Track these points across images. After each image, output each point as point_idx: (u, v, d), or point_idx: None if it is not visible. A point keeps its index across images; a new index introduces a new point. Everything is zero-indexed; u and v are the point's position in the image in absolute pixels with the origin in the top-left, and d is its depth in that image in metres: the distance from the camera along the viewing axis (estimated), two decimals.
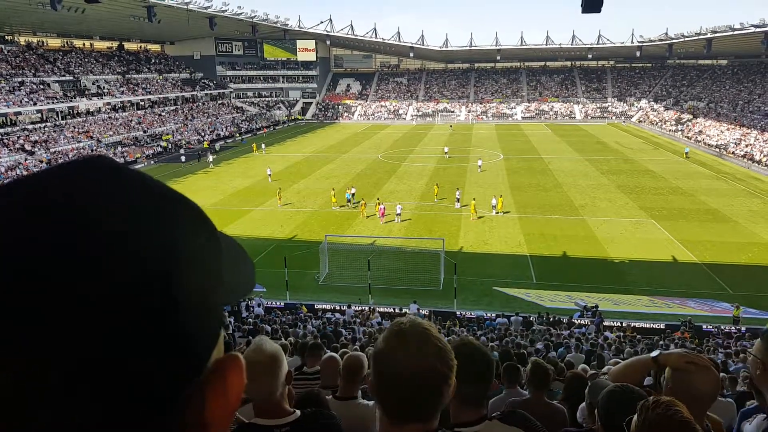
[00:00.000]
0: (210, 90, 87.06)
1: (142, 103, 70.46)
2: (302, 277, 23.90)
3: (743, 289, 21.75)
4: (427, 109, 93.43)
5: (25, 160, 44.83)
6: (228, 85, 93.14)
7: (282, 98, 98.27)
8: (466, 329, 17.43)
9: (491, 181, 41.34)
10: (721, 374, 7.53)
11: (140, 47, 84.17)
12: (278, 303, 21.58)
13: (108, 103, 64.51)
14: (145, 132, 62.17)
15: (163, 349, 0.45)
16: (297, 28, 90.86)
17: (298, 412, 2.30)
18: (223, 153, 58.87)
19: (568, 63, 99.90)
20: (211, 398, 0.51)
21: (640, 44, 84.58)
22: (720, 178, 42.62)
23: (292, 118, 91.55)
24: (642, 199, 35.75)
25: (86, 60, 70.02)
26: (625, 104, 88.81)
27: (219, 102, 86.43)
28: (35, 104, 54.29)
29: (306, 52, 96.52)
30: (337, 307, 20.86)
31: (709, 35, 67.13)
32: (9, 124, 50.45)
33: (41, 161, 45.51)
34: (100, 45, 77.24)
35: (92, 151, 51.19)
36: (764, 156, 46.79)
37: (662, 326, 19.22)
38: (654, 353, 2.57)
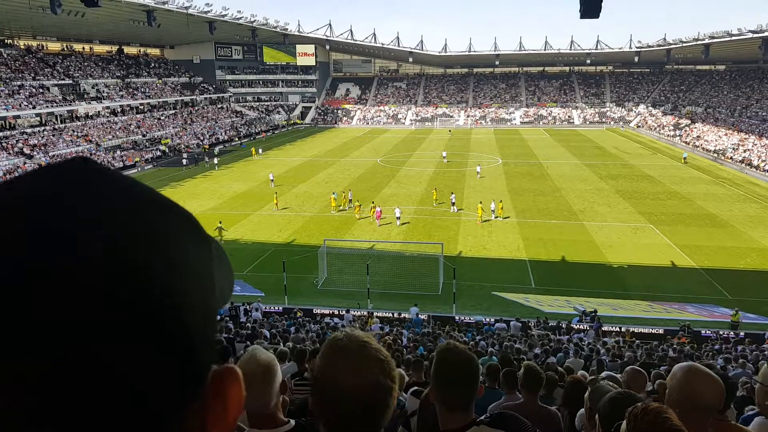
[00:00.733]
0: (209, 94, 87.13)
1: (142, 107, 70.49)
2: (301, 282, 23.88)
3: (742, 294, 21.75)
4: (426, 114, 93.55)
5: (24, 163, 44.79)
6: (227, 90, 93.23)
7: (281, 102, 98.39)
8: (464, 334, 17.40)
9: (490, 186, 41.37)
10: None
11: (140, 51, 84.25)
12: (277, 308, 21.56)
13: (107, 107, 64.53)
14: (144, 136, 62.16)
15: (164, 357, 0.44)
16: (296, 33, 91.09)
17: (293, 422, 2.29)
18: (222, 157, 58.90)
19: (567, 68, 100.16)
20: (210, 412, 0.50)
21: (639, 50, 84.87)
22: (718, 183, 42.68)
23: (292, 122, 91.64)
24: (640, 204, 35.78)
25: (86, 64, 70.08)
26: (623, 109, 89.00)
27: (218, 106, 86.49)
28: (34, 108, 54.28)
29: (305, 56, 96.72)
30: (336, 312, 20.83)
31: (707, 41, 67.36)
32: (8, 127, 50.45)
33: (40, 165, 45.23)
34: (100, 49, 77.34)
35: (91, 154, 51.19)
36: (762, 161, 46.88)
37: (661, 331, 19.22)
38: None
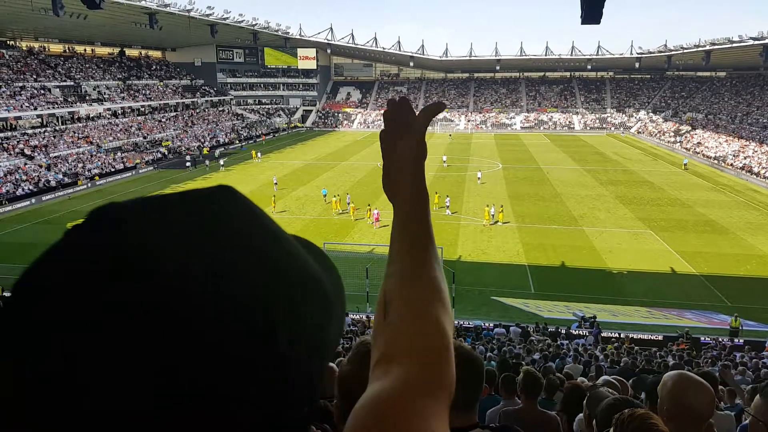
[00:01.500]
0: (210, 97, 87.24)
1: (143, 109, 70.57)
2: None
3: (741, 302, 21.71)
4: None
5: (24, 164, 44.82)
6: (228, 92, 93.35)
7: (282, 106, 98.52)
8: (463, 339, 17.37)
9: (490, 191, 41.38)
10: (720, 387, 7.51)
11: (141, 53, 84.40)
12: None
13: (108, 109, 64.61)
14: (144, 138, 62.22)
15: (277, 404, 0.44)
16: (298, 37, 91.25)
17: None
18: (222, 160, 58.93)
19: (568, 74, 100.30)
20: None
21: (639, 56, 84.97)
22: (718, 189, 42.69)
23: (293, 125, 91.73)
24: (640, 210, 35.78)
25: (87, 66, 70.20)
26: (624, 115, 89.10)
27: (219, 109, 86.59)
28: (36, 109, 54.34)
29: (307, 60, 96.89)
30: None
31: (707, 47, 67.47)
32: (9, 128, 50.49)
33: (40, 166, 45.50)
34: (102, 51, 77.46)
35: (91, 156, 51.23)
36: (762, 168, 46.90)
37: (660, 338, 19.19)
38: None
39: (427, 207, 0.86)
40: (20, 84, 56.18)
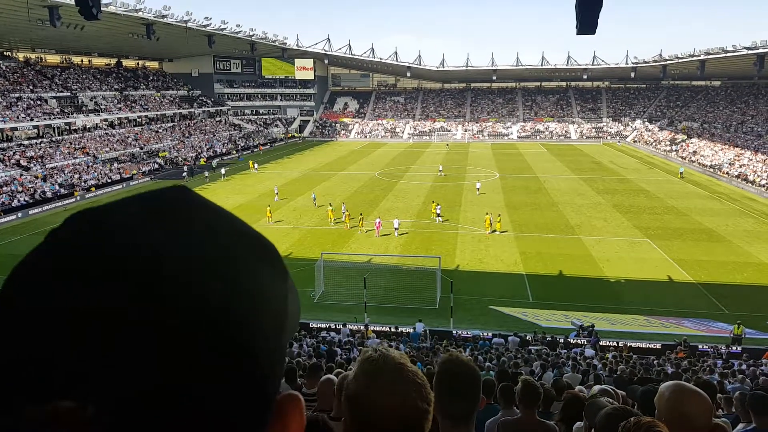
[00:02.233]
0: (208, 107, 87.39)
1: (139, 119, 70.63)
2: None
3: (739, 309, 21.73)
4: (423, 128, 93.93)
5: (21, 175, 44.73)
6: (226, 103, 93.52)
7: (279, 116, 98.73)
8: (462, 350, 17.31)
9: (488, 200, 41.43)
10: (718, 395, 7.49)
11: (138, 64, 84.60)
12: None
13: (105, 120, 64.65)
14: (141, 148, 62.22)
15: (240, 392, 0.44)
16: (295, 47, 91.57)
17: None
18: (220, 170, 58.95)
19: (564, 83, 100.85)
20: None
21: (635, 65, 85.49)
22: (714, 198, 42.83)
23: (290, 135, 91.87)
24: (637, 218, 35.85)
25: (84, 76, 70.29)
26: (619, 124, 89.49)
27: (216, 119, 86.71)
28: (32, 120, 54.34)
29: (304, 70, 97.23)
30: (333, 326, 20.71)
31: (702, 57, 67.91)
32: (5, 139, 50.43)
33: (36, 177, 45.41)
34: (99, 61, 77.61)
35: (88, 167, 51.19)
36: (758, 176, 47.10)
37: (658, 346, 19.17)
38: None
39: None
40: (17, 95, 56.20)
